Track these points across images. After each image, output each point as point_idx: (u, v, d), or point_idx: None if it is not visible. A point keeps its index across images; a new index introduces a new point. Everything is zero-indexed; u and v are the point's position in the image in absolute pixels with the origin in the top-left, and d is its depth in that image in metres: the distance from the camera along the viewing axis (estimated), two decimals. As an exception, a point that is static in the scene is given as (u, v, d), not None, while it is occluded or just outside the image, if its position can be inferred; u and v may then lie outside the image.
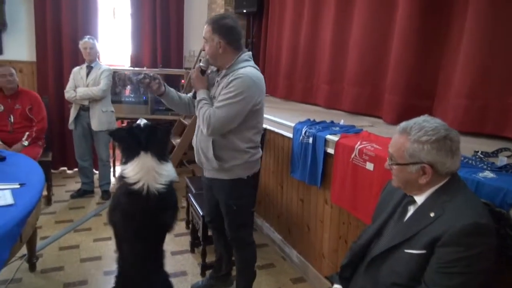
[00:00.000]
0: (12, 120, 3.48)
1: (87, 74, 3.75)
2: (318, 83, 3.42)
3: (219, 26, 1.95)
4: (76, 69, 3.83)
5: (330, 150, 2.26)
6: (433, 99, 2.39)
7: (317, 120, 2.62)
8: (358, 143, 2.03)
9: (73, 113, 3.79)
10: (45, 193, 3.60)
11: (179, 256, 2.92)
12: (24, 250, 2.51)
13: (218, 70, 2.10)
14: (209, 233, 2.58)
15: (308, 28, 3.49)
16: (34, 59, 4.43)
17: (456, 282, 1.15)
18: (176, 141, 4.17)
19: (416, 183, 1.28)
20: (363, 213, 2.00)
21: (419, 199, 1.32)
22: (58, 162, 4.62)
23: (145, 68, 4.68)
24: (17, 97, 3.52)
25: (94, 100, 3.71)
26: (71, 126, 3.82)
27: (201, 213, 2.58)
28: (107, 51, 4.91)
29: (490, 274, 1.17)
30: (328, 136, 2.27)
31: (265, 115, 2.29)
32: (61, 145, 4.57)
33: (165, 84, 2.14)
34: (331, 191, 2.28)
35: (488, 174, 1.46)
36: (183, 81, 4.68)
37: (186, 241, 3.10)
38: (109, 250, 2.95)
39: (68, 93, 3.73)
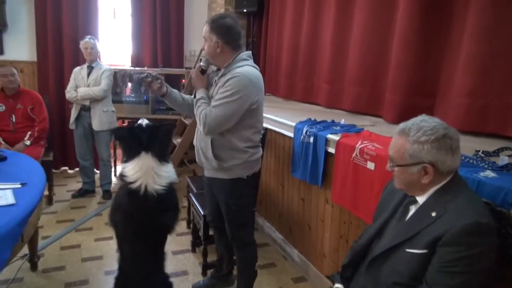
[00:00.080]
0: (14, 120, 3.50)
1: (88, 74, 3.76)
2: (318, 83, 3.41)
3: (217, 25, 1.95)
4: (77, 69, 3.83)
5: (331, 150, 2.26)
6: (434, 98, 2.38)
7: (318, 119, 2.62)
8: (359, 142, 2.03)
9: (74, 113, 3.79)
10: (46, 192, 3.59)
11: (180, 256, 2.92)
12: (25, 249, 2.52)
13: (218, 70, 2.10)
14: (210, 232, 2.58)
15: (308, 27, 3.48)
16: (34, 59, 4.44)
17: (457, 282, 1.15)
18: (177, 140, 4.17)
19: (418, 183, 1.28)
20: (364, 213, 2.00)
21: (421, 198, 1.32)
22: (59, 162, 4.62)
23: (146, 68, 4.68)
24: (18, 97, 3.53)
25: (95, 100, 3.72)
26: (72, 126, 3.83)
27: (202, 213, 2.59)
28: (108, 51, 4.91)
29: (491, 273, 1.18)
30: (329, 136, 2.27)
31: (265, 115, 2.28)
32: (62, 145, 4.57)
33: (168, 85, 2.14)
34: (332, 191, 2.28)
35: (489, 173, 1.46)
36: (183, 80, 4.68)
37: (187, 240, 3.10)
38: (110, 249, 2.95)
39: (69, 93, 3.73)
